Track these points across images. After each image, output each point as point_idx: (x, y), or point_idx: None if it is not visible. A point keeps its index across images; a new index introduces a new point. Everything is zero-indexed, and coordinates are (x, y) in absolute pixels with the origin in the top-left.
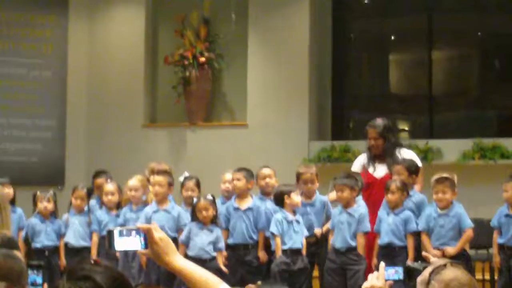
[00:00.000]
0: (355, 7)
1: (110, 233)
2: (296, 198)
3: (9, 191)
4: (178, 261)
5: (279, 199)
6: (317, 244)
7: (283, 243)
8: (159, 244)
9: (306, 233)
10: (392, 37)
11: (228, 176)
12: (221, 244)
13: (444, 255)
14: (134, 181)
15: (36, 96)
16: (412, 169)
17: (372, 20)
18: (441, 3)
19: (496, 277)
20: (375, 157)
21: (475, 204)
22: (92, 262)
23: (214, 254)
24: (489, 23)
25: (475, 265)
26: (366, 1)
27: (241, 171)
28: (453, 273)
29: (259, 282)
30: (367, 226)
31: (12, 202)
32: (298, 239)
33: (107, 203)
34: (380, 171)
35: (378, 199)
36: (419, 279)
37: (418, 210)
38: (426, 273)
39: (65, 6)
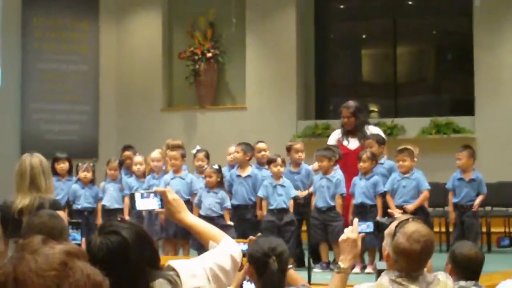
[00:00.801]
0: (334, 12)
1: (132, 195)
2: (275, 168)
3: (63, 165)
4: (189, 218)
5: (269, 166)
6: (305, 205)
7: (270, 204)
8: (173, 204)
9: (293, 194)
10: (364, 36)
11: (232, 149)
12: (227, 204)
13: (404, 211)
14: (155, 153)
15: (74, 87)
16: (381, 141)
17: (347, 23)
18: (403, 9)
19: (451, 230)
20: (348, 133)
21: (432, 170)
22: (119, 219)
23: (221, 212)
24: (442, 23)
25: (433, 220)
26: (342, 7)
27: (240, 145)
28: (415, 226)
29: (259, 234)
30: (342, 189)
31: (69, 172)
32: (281, 200)
33: (136, 172)
34: (352, 144)
35: (352, 167)
36: (387, 231)
37: (389, 174)
38: (392, 226)
39: (97, 14)
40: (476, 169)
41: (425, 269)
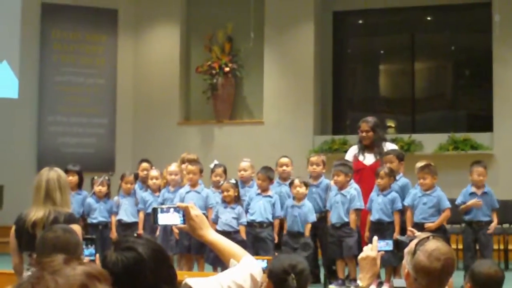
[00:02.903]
0: (352, 27)
1: (155, 210)
2: (294, 190)
3: (72, 178)
4: (211, 234)
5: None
6: (319, 219)
7: (287, 225)
8: (195, 220)
9: (311, 219)
10: (382, 52)
11: (243, 164)
12: (243, 220)
13: (424, 229)
14: (173, 167)
15: (91, 100)
16: (401, 157)
17: (365, 38)
18: (421, 24)
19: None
20: (365, 148)
21: (449, 187)
22: (135, 235)
23: (238, 228)
24: (461, 39)
25: (450, 237)
26: (360, 22)
27: (260, 172)
28: (435, 244)
29: (276, 254)
30: (357, 204)
31: (79, 186)
32: (296, 223)
33: (152, 186)
34: (368, 159)
35: (367, 182)
36: (406, 249)
37: (402, 192)
38: (412, 244)
39: (115, 27)
40: (487, 184)
41: None
